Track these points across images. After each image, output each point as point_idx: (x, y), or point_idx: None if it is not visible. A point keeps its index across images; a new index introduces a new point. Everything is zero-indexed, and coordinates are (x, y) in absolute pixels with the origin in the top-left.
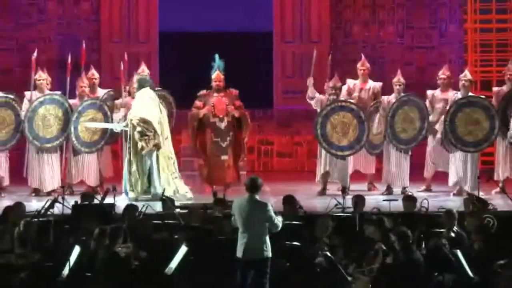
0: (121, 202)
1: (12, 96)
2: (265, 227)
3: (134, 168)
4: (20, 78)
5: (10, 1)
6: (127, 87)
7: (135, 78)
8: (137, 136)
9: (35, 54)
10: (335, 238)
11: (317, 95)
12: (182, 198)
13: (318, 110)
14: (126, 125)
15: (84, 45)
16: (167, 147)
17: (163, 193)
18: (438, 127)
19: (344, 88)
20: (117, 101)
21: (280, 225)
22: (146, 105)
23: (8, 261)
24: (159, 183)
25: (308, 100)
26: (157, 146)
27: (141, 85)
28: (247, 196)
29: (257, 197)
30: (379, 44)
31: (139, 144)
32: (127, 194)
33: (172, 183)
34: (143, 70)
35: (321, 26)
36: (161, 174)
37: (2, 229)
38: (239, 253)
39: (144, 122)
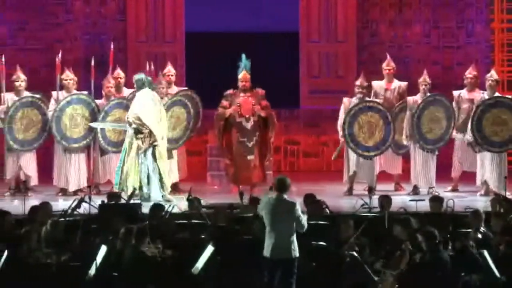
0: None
1: (38, 96)
2: (293, 226)
3: (126, 167)
4: (47, 78)
5: (38, 1)
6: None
7: (134, 78)
8: (131, 133)
9: (60, 54)
10: (361, 238)
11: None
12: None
13: None
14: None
15: (112, 45)
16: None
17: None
18: (465, 127)
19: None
20: None
21: (306, 225)
22: (143, 105)
23: (36, 261)
24: (154, 184)
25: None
26: (152, 145)
27: (138, 86)
28: (275, 195)
29: (285, 196)
30: (405, 44)
31: (135, 143)
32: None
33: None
34: (169, 70)
35: (347, 26)
36: (157, 175)
37: (29, 229)
38: (266, 253)
39: (139, 120)
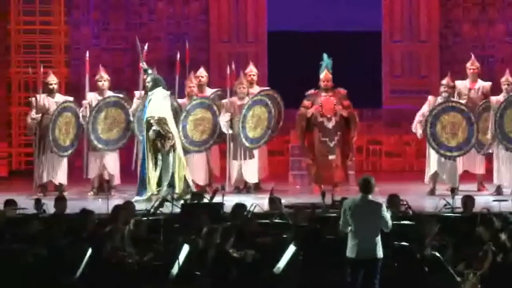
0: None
1: (122, 95)
2: (378, 227)
3: (150, 167)
4: (130, 77)
5: (121, 2)
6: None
7: (149, 77)
8: (152, 135)
9: (142, 55)
10: (444, 238)
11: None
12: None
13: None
14: None
15: (187, 44)
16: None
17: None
18: None
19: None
20: (223, 101)
21: (391, 224)
22: (163, 105)
23: (119, 260)
24: (174, 184)
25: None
26: (174, 147)
27: (156, 84)
28: (360, 196)
29: (370, 197)
30: (488, 43)
31: (157, 143)
32: (141, 194)
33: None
34: (251, 70)
35: (430, 25)
36: (179, 174)
37: (112, 228)
38: (351, 253)
39: (163, 123)
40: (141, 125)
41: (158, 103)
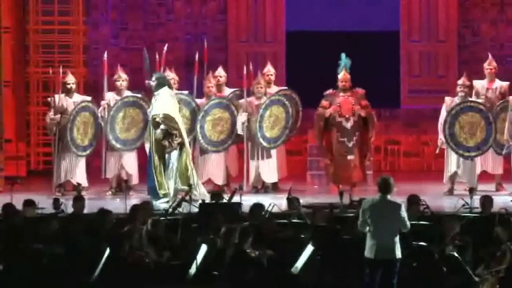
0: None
1: (140, 95)
2: (396, 227)
3: (158, 169)
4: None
5: (139, 2)
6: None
7: (154, 76)
8: (159, 134)
9: (164, 53)
10: (463, 238)
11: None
12: (202, 196)
13: None
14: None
15: (205, 44)
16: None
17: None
18: None
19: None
20: (241, 101)
21: (409, 225)
22: (170, 104)
23: (137, 260)
24: (180, 182)
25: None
26: (181, 145)
27: (161, 83)
28: (378, 196)
29: (389, 197)
30: (507, 43)
31: (164, 143)
32: (155, 195)
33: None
34: (269, 70)
35: (448, 25)
36: (190, 172)
37: (130, 228)
38: (369, 253)
39: (169, 120)
40: None
41: (163, 101)
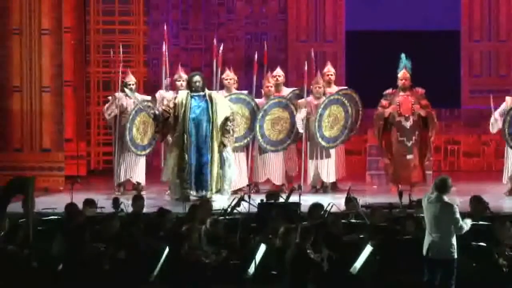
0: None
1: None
2: (452, 227)
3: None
4: (208, 77)
5: (200, 1)
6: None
7: (198, 76)
8: (232, 133)
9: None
10: None
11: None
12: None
13: None
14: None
15: (266, 45)
16: None
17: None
18: None
19: None
20: (299, 101)
21: (465, 227)
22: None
23: (196, 259)
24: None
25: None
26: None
27: (205, 84)
28: (435, 195)
29: (445, 197)
30: None
31: (224, 140)
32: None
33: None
34: (329, 70)
35: (509, 25)
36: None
37: (190, 227)
38: (426, 252)
39: (233, 119)
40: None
41: (226, 102)
